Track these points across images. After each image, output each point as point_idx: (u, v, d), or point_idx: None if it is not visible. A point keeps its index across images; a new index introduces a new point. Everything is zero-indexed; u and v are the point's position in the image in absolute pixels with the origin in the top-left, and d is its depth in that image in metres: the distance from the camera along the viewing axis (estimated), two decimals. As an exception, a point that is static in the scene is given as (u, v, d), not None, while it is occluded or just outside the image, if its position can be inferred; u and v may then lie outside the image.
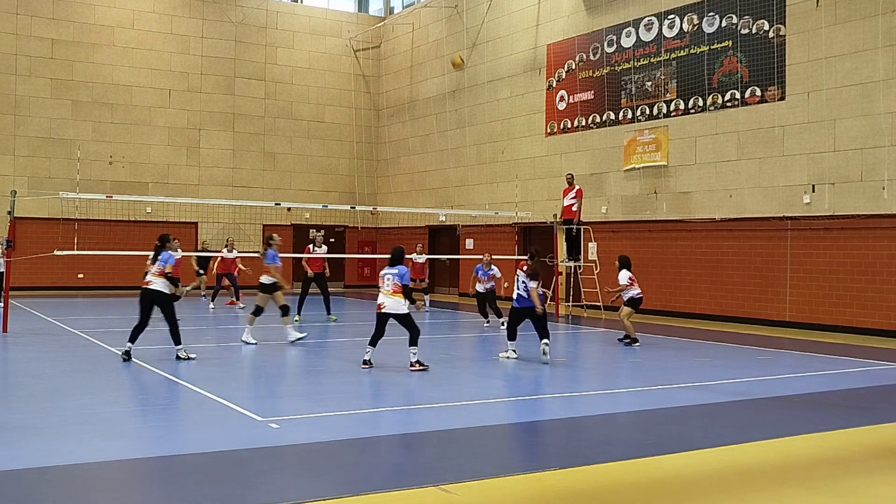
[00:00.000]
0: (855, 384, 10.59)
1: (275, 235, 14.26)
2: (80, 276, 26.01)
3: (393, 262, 11.38)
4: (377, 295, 11.36)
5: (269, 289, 13.80)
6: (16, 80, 25.96)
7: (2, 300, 15.67)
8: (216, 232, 27.60)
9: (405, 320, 11.12)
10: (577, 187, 19.98)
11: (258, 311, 13.78)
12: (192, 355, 11.62)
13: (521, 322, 12.25)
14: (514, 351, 12.27)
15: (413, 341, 11.04)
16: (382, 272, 11.37)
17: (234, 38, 29.11)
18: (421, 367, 10.93)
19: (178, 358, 11.46)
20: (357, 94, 31.22)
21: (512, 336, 12.32)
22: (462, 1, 26.92)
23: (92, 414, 8.16)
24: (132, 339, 11.49)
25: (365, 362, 11.16)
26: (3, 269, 17.92)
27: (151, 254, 11.72)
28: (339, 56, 31.00)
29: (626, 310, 14.56)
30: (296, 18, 30.32)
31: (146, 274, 11.67)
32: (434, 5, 28.35)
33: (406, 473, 6.09)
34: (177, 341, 11.53)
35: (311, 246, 17.90)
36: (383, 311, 11.17)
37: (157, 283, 11.47)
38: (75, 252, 17.51)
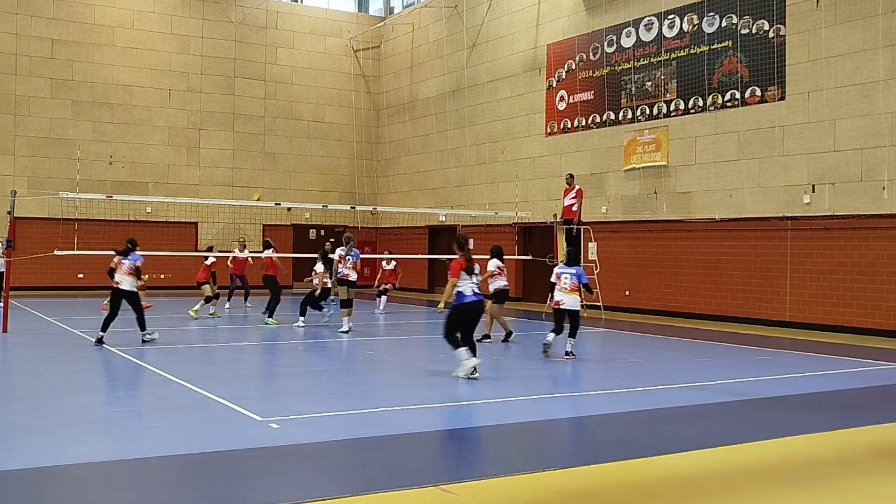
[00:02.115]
0: (855, 384, 10.58)
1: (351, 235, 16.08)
2: (81, 276, 26.00)
3: (569, 262, 12.60)
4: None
5: (354, 284, 15.48)
6: (16, 80, 25.96)
7: (2, 300, 15.68)
8: (216, 232, 27.62)
9: (576, 316, 12.33)
10: (577, 187, 19.97)
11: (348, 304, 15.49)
12: (156, 335, 13.36)
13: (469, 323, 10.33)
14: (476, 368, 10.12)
15: (572, 333, 12.19)
16: (559, 271, 12.46)
17: (234, 38, 29.11)
18: (573, 356, 12.03)
19: (143, 342, 13.07)
20: (357, 94, 31.22)
21: (455, 343, 10.18)
22: (462, 1, 26.92)
23: (92, 414, 8.16)
24: (104, 329, 12.97)
25: (545, 344, 12.25)
26: (3, 269, 17.92)
27: (115, 254, 13.58)
28: (339, 56, 31.00)
29: (494, 307, 13.93)
30: (296, 18, 30.32)
31: (113, 273, 13.36)
32: (434, 5, 28.35)
33: (406, 473, 6.08)
34: (142, 327, 13.19)
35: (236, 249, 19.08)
36: (562, 307, 12.30)
37: (126, 283, 13.03)
38: (75, 252, 17.53)
